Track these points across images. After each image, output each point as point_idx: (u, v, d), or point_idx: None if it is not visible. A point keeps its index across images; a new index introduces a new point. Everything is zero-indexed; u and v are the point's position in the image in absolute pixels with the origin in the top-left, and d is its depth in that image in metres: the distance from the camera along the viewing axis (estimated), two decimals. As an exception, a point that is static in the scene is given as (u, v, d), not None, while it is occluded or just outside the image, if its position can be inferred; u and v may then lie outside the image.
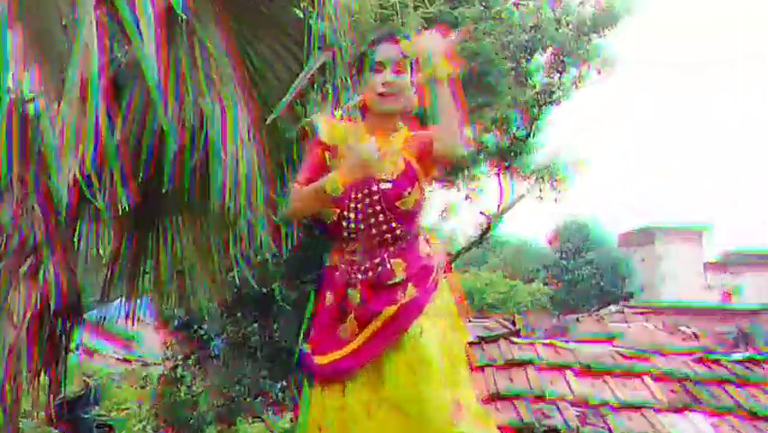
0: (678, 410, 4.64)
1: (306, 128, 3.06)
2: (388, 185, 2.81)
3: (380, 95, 2.85)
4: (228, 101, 3.84)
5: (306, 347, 2.89)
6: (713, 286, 29.73)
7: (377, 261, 2.81)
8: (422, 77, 2.82)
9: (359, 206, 2.81)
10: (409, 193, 2.82)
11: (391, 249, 2.83)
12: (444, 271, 2.92)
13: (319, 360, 2.82)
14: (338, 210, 2.81)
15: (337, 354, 2.78)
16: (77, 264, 4.08)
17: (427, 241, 2.94)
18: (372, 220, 2.81)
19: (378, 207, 2.81)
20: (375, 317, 2.77)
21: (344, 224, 2.81)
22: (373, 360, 2.76)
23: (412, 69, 2.89)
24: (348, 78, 4.36)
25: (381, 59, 2.89)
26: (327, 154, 2.88)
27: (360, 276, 2.81)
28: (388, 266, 2.81)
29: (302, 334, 2.95)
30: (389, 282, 2.79)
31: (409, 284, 2.80)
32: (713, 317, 10.23)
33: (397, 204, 2.81)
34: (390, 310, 2.76)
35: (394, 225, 2.82)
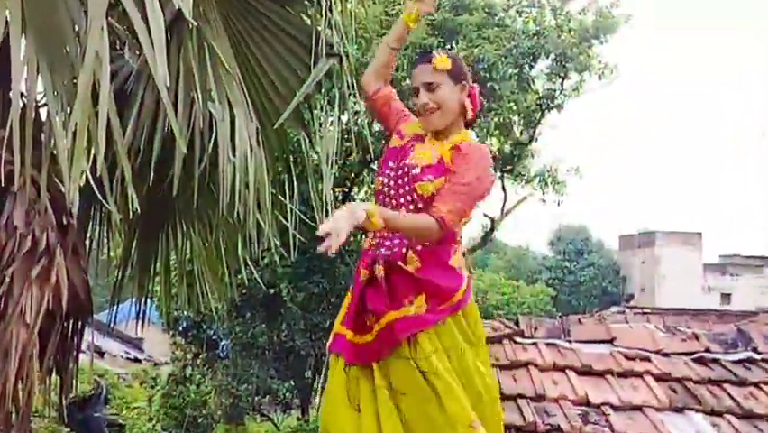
0: (678, 410, 4.60)
1: None
2: (416, 169, 2.90)
3: (421, 116, 2.97)
4: (236, 105, 3.84)
5: (342, 329, 2.96)
6: (713, 288, 29.67)
7: (396, 241, 2.88)
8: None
9: (391, 173, 2.95)
10: (430, 181, 2.87)
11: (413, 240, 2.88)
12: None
13: (348, 335, 2.91)
14: (379, 178, 2.99)
15: (360, 339, 2.88)
16: (87, 266, 4.08)
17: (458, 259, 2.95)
18: (401, 195, 2.91)
19: (405, 180, 2.90)
20: (380, 317, 2.82)
21: (380, 190, 2.96)
22: (380, 359, 2.82)
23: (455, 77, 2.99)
24: (354, 83, 4.37)
25: (415, 84, 3.01)
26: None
27: (382, 251, 2.89)
28: (404, 250, 2.86)
29: (339, 318, 3.02)
30: (400, 264, 2.84)
31: (421, 296, 2.81)
32: (711, 318, 10.20)
33: (415, 186, 2.87)
34: (391, 317, 2.80)
35: (414, 208, 2.88)
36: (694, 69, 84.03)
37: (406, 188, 2.89)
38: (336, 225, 2.47)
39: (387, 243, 2.90)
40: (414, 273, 2.83)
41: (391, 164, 2.98)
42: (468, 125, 3.07)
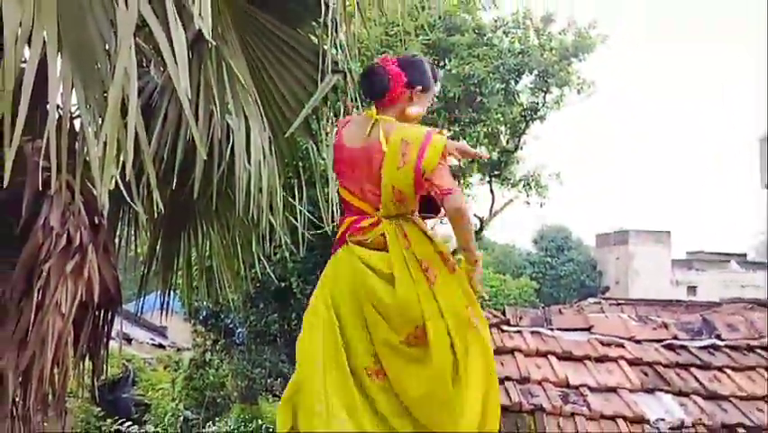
0: (649, 391, 4.61)
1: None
2: None
3: None
4: (251, 117, 3.84)
5: None
6: (680, 281, 29.65)
7: None
8: None
9: None
10: None
11: None
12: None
13: None
14: None
15: None
16: (117, 262, 4.08)
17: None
18: None
19: None
20: None
21: None
22: None
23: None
24: (356, 97, 4.37)
25: None
26: None
27: None
28: None
29: None
30: None
31: None
32: (679, 308, 10.19)
33: None
34: None
35: None
36: (679, 86, 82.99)
37: None
38: None
39: None
40: None
41: None
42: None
